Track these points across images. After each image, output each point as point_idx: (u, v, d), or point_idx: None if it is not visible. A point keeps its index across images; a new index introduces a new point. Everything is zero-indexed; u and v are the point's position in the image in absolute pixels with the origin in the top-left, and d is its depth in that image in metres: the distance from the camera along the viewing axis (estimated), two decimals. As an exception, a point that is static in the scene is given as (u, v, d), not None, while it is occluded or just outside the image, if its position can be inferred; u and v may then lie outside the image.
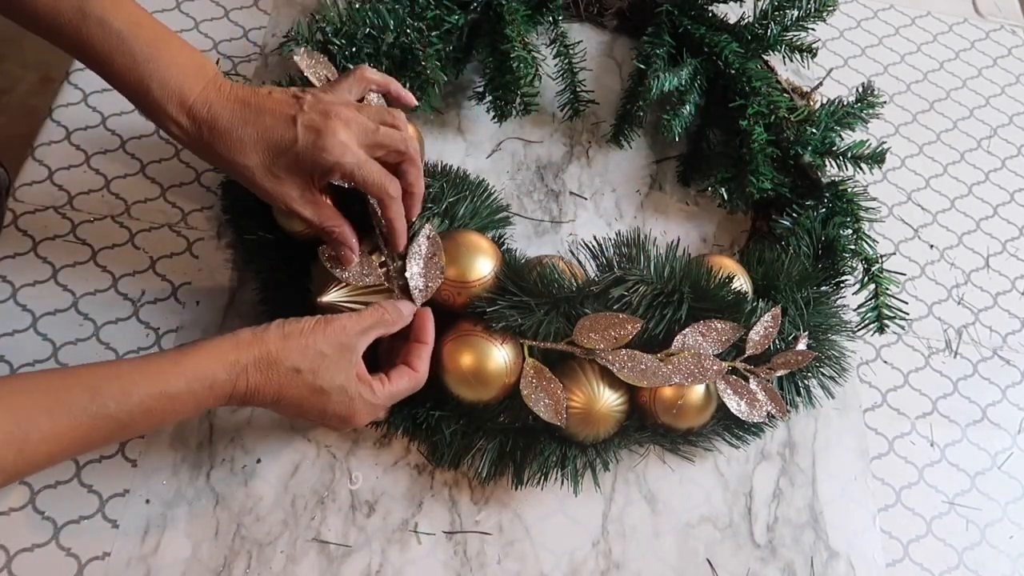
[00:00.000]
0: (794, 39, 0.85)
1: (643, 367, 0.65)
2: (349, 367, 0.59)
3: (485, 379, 0.64)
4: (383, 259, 0.65)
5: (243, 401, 0.57)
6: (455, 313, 0.66)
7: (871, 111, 0.83)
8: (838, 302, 0.77)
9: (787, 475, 0.73)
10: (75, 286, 0.71)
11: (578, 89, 0.86)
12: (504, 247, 0.71)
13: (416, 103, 0.69)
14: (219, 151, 0.59)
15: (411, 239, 0.65)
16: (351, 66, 0.73)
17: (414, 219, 0.66)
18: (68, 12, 0.56)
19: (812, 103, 0.83)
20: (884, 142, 0.86)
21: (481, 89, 0.82)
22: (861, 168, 0.80)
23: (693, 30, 0.85)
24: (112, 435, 0.52)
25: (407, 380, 0.62)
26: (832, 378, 0.75)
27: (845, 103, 0.82)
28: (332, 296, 0.64)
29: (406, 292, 0.65)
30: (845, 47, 1.01)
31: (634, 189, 0.86)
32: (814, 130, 0.79)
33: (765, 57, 0.86)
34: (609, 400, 0.65)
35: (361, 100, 0.66)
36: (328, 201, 0.63)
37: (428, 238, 0.65)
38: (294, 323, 0.58)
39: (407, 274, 0.65)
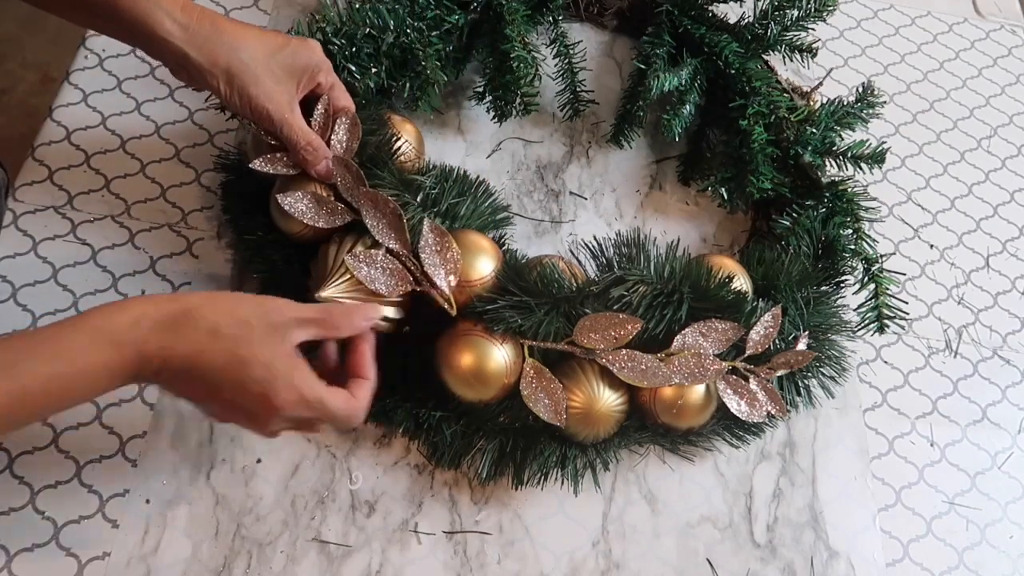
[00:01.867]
0: (794, 39, 0.85)
1: (643, 367, 0.65)
2: (278, 345, 0.53)
3: (485, 379, 0.64)
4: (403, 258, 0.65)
5: (157, 368, 0.50)
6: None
7: (871, 111, 0.83)
8: (838, 302, 0.77)
9: (787, 475, 0.73)
10: (75, 286, 0.71)
11: (578, 89, 0.86)
12: (504, 247, 0.71)
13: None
14: (224, 41, 0.60)
15: (415, 235, 0.65)
16: (352, 67, 0.73)
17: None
18: None
19: (812, 103, 0.83)
20: (884, 142, 0.86)
21: (481, 89, 0.82)
22: (861, 168, 0.80)
23: (693, 30, 0.85)
24: (11, 412, 0.46)
25: (343, 400, 0.56)
26: (832, 378, 0.75)
27: (845, 103, 0.82)
28: (331, 291, 0.63)
29: (435, 288, 0.64)
30: (845, 47, 1.01)
31: (634, 189, 0.86)
32: (814, 130, 0.79)
33: (765, 57, 0.86)
34: (609, 400, 0.65)
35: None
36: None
37: (432, 230, 0.65)
38: (227, 292, 0.57)
39: (428, 271, 0.64)
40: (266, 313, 0.53)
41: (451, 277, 0.65)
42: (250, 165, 0.67)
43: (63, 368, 0.48)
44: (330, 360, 0.60)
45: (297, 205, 0.65)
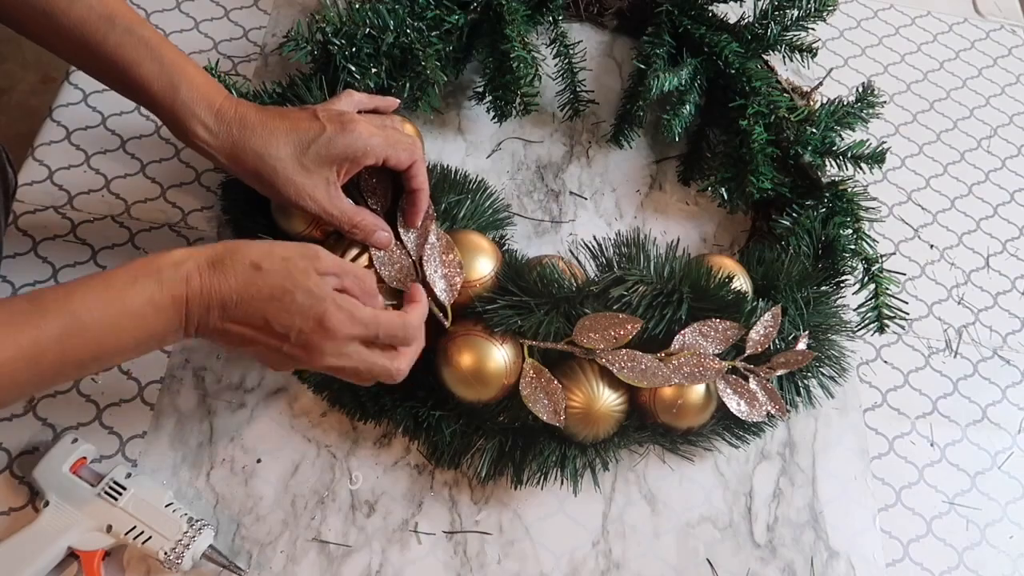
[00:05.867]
0: (794, 39, 0.85)
1: (643, 367, 0.65)
2: (317, 278, 0.55)
3: (485, 379, 0.64)
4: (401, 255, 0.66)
5: (201, 310, 0.52)
6: (455, 313, 0.66)
7: (871, 111, 0.83)
8: (838, 302, 0.77)
9: (787, 475, 0.73)
10: (75, 286, 0.71)
11: (578, 89, 0.86)
12: (504, 247, 0.71)
13: (398, 102, 0.70)
14: (251, 146, 0.60)
15: (424, 242, 0.66)
16: (352, 67, 0.73)
17: (422, 215, 0.66)
18: (96, 22, 0.58)
19: (812, 103, 0.83)
20: (884, 142, 0.86)
21: (481, 89, 0.82)
22: (861, 168, 0.80)
23: (693, 30, 0.85)
24: (66, 347, 0.48)
25: (395, 314, 0.58)
26: (832, 378, 0.75)
27: (845, 103, 0.82)
28: None
29: (431, 297, 0.65)
30: (845, 47, 1.01)
31: (634, 189, 0.86)
32: (814, 130, 0.79)
33: (765, 57, 0.86)
34: (609, 400, 0.65)
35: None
36: (346, 197, 0.64)
37: (437, 237, 0.65)
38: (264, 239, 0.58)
39: (428, 278, 0.65)
40: (304, 250, 0.56)
41: (450, 289, 0.65)
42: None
43: (112, 303, 0.49)
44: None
45: None
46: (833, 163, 0.80)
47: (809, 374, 0.74)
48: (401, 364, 0.59)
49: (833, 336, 0.75)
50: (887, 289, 0.75)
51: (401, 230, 0.66)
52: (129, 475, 0.62)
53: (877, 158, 0.80)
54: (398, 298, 0.65)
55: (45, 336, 0.48)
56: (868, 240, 0.77)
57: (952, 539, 0.72)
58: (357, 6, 0.76)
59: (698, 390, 0.67)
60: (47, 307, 0.48)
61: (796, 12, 0.83)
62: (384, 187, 0.67)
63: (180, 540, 0.60)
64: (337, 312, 0.54)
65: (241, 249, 0.54)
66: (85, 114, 0.79)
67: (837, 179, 0.80)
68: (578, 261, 0.72)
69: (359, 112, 0.66)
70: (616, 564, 0.67)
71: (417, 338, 0.60)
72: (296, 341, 0.54)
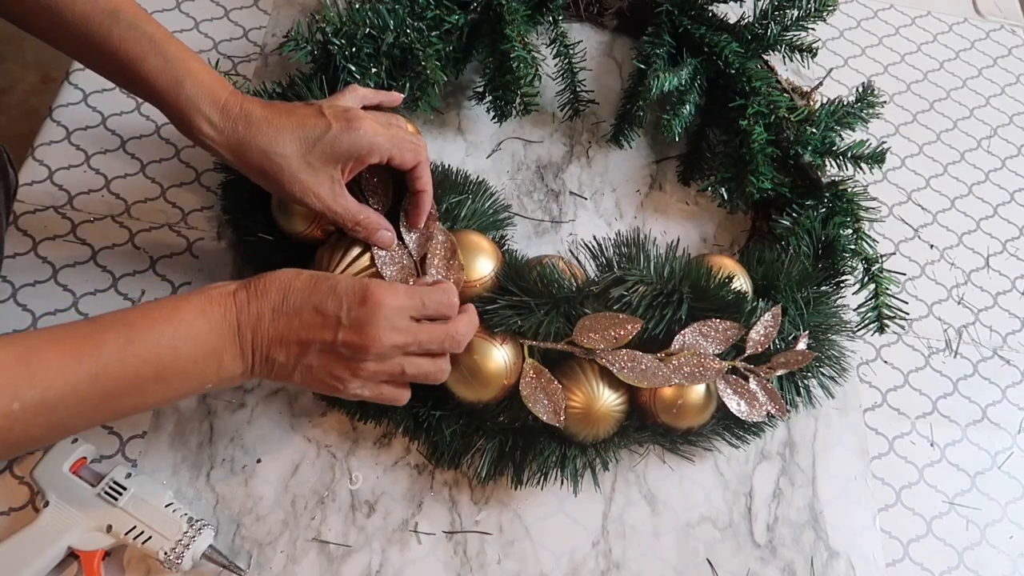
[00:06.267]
0: (794, 39, 0.85)
1: (643, 367, 0.65)
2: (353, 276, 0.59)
3: (485, 379, 0.64)
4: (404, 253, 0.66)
5: (253, 320, 0.55)
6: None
7: (871, 111, 0.83)
8: (838, 302, 0.77)
9: (787, 475, 0.73)
10: (75, 286, 0.71)
11: (578, 89, 0.86)
12: (505, 247, 0.71)
13: (402, 97, 0.70)
14: (257, 143, 0.60)
15: (426, 242, 0.66)
16: (352, 67, 0.73)
17: (425, 216, 0.66)
18: (100, 17, 0.58)
19: (812, 103, 0.83)
20: (884, 142, 0.86)
21: (481, 89, 0.82)
22: (861, 168, 0.80)
23: (693, 30, 0.85)
24: (126, 359, 0.50)
25: (437, 286, 0.60)
26: (832, 378, 0.75)
27: (845, 103, 0.82)
28: None
29: None
30: (845, 47, 1.01)
31: (634, 189, 0.86)
32: (814, 130, 0.79)
33: (765, 57, 0.86)
34: (609, 400, 0.65)
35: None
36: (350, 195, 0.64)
37: (443, 239, 0.66)
38: None
39: (427, 277, 0.65)
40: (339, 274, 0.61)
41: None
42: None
43: (164, 311, 0.53)
44: None
45: None
46: (833, 163, 0.80)
47: (809, 374, 0.74)
48: (459, 326, 0.60)
49: (833, 336, 0.74)
50: (887, 289, 0.75)
51: (403, 230, 0.66)
52: (129, 475, 0.62)
53: (877, 158, 0.80)
54: None
55: (106, 352, 0.50)
56: (868, 240, 0.77)
57: (952, 539, 0.72)
58: (357, 6, 0.76)
59: (698, 390, 0.67)
60: (105, 324, 0.51)
61: (796, 12, 0.83)
62: (385, 186, 0.67)
63: (180, 540, 0.60)
64: (378, 287, 0.56)
65: (282, 270, 0.57)
66: (85, 114, 0.79)
67: (837, 179, 0.80)
68: (578, 261, 0.72)
69: (364, 107, 0.66)
70: (616, 564, 0.67)
71: (465, 306, 0.62)
72: (348, 321, 0.55)
